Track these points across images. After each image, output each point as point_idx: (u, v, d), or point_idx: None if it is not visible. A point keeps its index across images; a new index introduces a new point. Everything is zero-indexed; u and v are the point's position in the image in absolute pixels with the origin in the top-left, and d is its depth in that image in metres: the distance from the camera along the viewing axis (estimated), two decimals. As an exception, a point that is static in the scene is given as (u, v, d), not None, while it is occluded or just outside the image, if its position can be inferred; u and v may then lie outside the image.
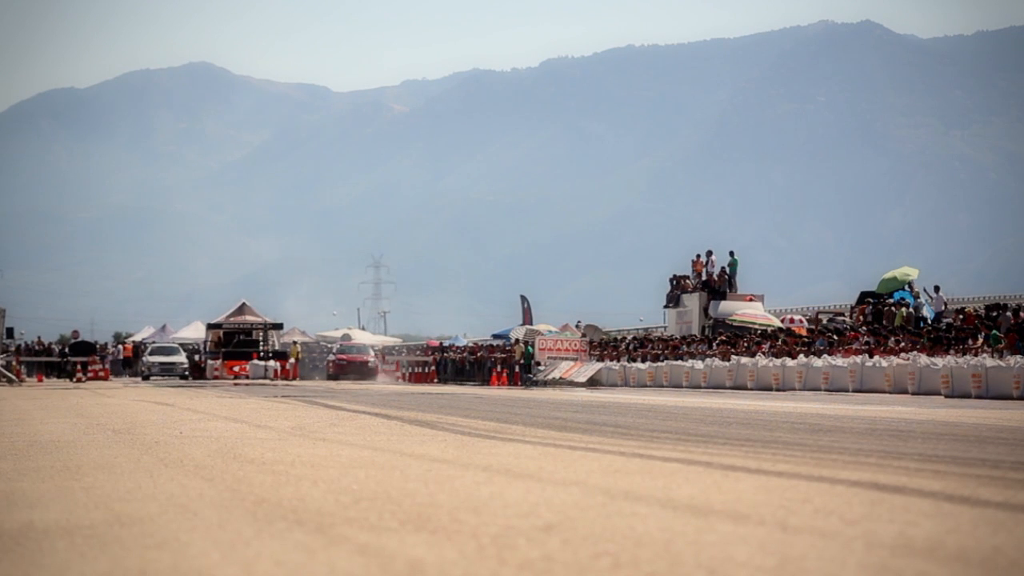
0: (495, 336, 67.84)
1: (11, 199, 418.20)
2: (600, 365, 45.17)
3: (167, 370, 51.64)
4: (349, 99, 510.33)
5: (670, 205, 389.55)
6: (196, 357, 61.17)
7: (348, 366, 53.99)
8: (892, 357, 32.41)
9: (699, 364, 39.97)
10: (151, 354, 53.82)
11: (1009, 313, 33.79)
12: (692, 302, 49.43)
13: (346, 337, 74.72)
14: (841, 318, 45.22)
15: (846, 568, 3.88)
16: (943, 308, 39.96)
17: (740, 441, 9.67)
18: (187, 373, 52.28)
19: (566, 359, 46.02)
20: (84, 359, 49.48)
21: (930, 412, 16.68)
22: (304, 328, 78.53)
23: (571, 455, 8.07)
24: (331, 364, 54.80)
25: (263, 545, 4.34)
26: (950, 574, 3.83)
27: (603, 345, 50.52)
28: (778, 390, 34.12)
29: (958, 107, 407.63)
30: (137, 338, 76.54)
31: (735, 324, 46.56)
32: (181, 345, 69.97)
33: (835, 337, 38.60)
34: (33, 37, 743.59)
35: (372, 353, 56.86)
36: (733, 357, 39.13)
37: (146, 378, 50.16)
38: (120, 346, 70.94)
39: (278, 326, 61.05)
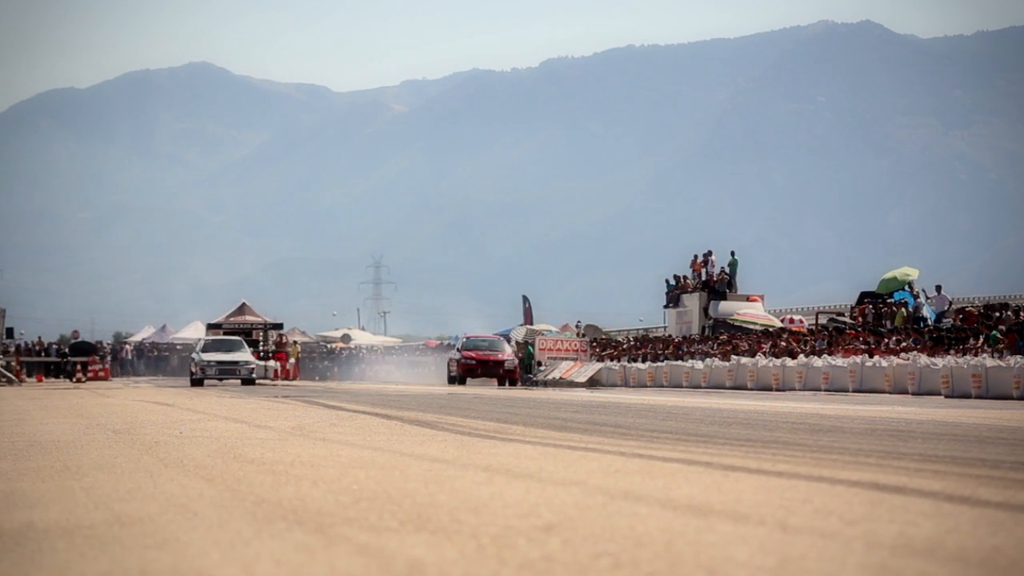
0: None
1: (11, 199, 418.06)
2: (600, 365, 45.21)
3: (228, 371, 39.53)
4: (349, 99, 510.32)
5: (670, 205, 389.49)
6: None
7: (479, 367, 41.57)
8: (892, 357, 32.43)
9: (699, 364, 40.01)
10: (205, 350, 40.69)
11: (1010, 313, 33.81)
12: (692, 302, 49.45)
13: (346, 338, 74.57)
14: (842, 318, 45.24)
15: (846, 568, 3.88)
16: (946, 308, 39.95)
17: (740, 441, 9.67)
18: (254, 375, 40.18)
19: (566, 359, 46.04)
20: (84, 359, 49.48)
21: (930, 412, 16.68)
22: (304, 328, 78.56)
23: (571, 455, 8.08)
24: (455, 363, 42.47)
25: (263, 545, 4.34)
26: (950, 574, 3.83)
27: (603, 345, 50.55)
28: (778, 390, 34.13)
29: (958, 107, 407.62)
30: (137, 338, 76.63)
31: (735, 324, 46.58)
32: (186, 343, 69.88)
33: (835, 335, 38.61)
34: (33, 37, 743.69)
35: (509, 350, 43.85)
36: (733, 357, 39.16)
37: (199, 382, 38.49)
38: (124, 346, 71.06)
39: (278, 326, 61.10)
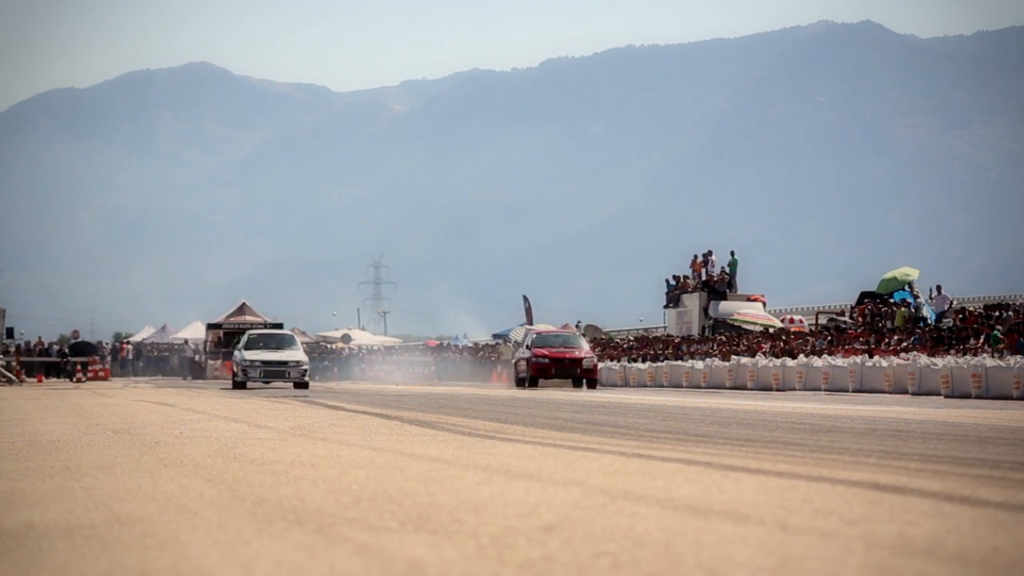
0: (495, 336, 67.96)
1: (11, 199, 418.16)
2: (600, 365, 45.23)
3: (275, 373, 33.07)
4: (349, 99, 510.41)
5: (670, 205, 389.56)
6: (196, 357, 61.26)
7: (552, 367, 35.76)
8: (892, 357, 32.45)
9: (699, 364, 40.02)
10: (248, 347, 34.28)
11: (1010, 313, 33.83)
12: (692, 302, 49.47)
13: (346, 338, 74.50)
14: (842, 318, 45.27)
15: (846, 568, 3.88)
16: (946, 308, 39.97)
17: (740, 441, 9.67)
18: (307, 378, 33.61)
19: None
20: (84, 359, 49.49)
21: (930, 412, 16.68)
22: (304, 328, 78.54)
23: (571, 455, 8.08)
24: (524, 363, 36.76)
25: (263, 545, 4.34)
26: (950, 574, 3.83)
27: (603, 345, 50.57)
28: (778, 390, 34.13)
29: (958, 107, 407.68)
30: (137, 338, 76.63)
31: (735, 324, 46.61)
32: (185, 343, 69.89)
33: (835, 335, 38.63)
34: (33, 37, 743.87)
35: (585, 346, 37.81)
36: (733, 357, 39.18)
37: (241, 385, 32.72)
38: (124, 346, 71.08)
39: (278, 326, 61.06)
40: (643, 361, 44.58)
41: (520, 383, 36.75)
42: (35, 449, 9.23)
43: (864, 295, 44.58)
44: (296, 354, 33.84)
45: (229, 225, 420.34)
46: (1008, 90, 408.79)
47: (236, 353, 34.70)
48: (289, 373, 32.88)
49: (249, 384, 32.85)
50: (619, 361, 45.94)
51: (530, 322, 58.75)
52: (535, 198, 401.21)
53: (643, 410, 16.60)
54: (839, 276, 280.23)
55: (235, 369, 33.92)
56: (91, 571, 3.98)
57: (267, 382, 33.15)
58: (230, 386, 33.71)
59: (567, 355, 35.91)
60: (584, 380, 35.67)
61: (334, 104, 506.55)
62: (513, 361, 40.05)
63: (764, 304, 49.47)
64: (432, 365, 59.09)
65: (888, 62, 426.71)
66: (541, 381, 35.69)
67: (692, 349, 44.08)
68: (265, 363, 33.05)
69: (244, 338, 35.71)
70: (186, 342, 69.04)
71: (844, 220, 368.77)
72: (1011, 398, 25.97)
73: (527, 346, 37.38)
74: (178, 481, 6.53)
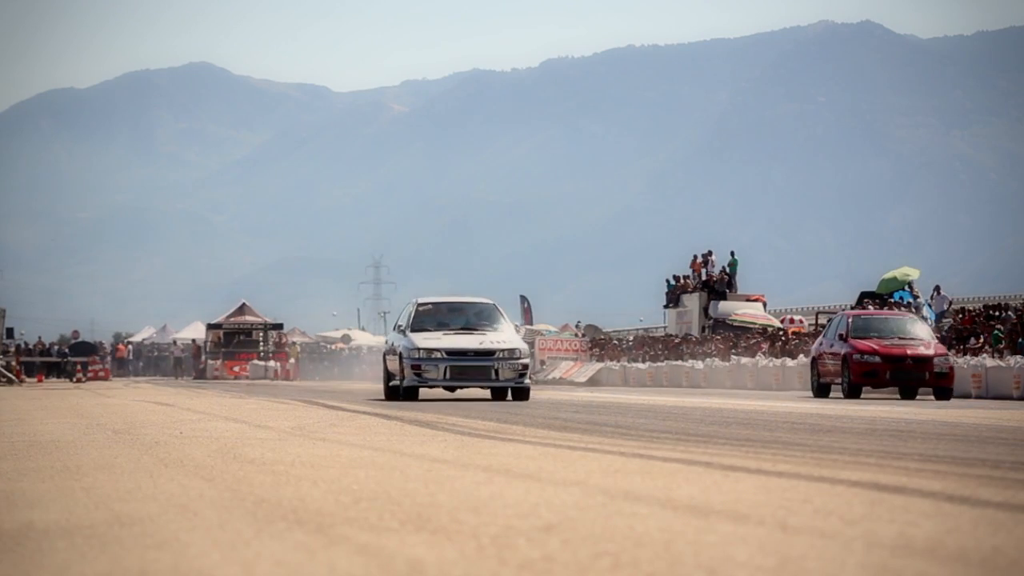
0: (495, 336, 67.88)
1: (11, 199, 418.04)
2: (600, 365, 45.25)
3: (471, 372, 19.93)
4: (349, 99, 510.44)
5: (670, 205, 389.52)
6: (184, 356, 61.38)
7: (886, 370, 23.33)
8: (892, 357, 32.39)
9: (699, 364, 40.04)
10: (417, 327, 20.43)
11: (1011, 313, 33.84)
12: (692, 302, 49.47)
13: (346, 338, 74.50)
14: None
15: (846, 568, 3.88)
16: (946, 308, 39.97)
17: (740, 441, 9.68)
18: (527, 380, 20.31)
19: (566, 359, 46.06)
20: (84, 359, 49.53)
21: (930, 412, 16.69)
22: (304, 328, 78.56)
23: (571, 455, 8.08)
24: (836, 361, 24.05)
25: (263, 545, 4.34)
26: (950, 574, 3.83)
27: (603, 345, 50.59)
28: (778, 390, 34.12)
29: (958, 107, 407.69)
30: (137, 338, 76.69)
31: (735, 324, 46.61)
32: (174, 343, 69.75)
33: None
34: (33, 37, 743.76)
35: (930, 336, 25.06)
36: (733, 357, 39.19)
37: (409, 393, 19.66)
38: (120, 345, 71.11)
39: (278, 326, 61.08)
40: (643, 361, 44.61)
41: (821, 391, 24.58)
42: (35, 449, 9.23)
43: (864, 295, 44.55)
44: (504, 335, 20.46)
45: (229, 225, 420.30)
46: (1008, 90, 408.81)
47: (395, 338, 21.10)
48: (497, 371, 19.73)
49: (424, 391, 20.25)
50: (619, 361, 45.98)
51: (529, 322, 58.68)
52: (535, 198, 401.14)
53: (643, 410, 16.60)
54: (839, 276, 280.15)
55: (391, 364, 20.92)
56: (91, 571, 3.98)
57: (453, 388, 20.77)
58: (375, 396, 22.33)
59: (908, 352, 23.55)
60: (935, 388, 23.74)
61: (334, 104, 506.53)
62: (812, 355, 26.35)
63: (764, 304, 49.45)
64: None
65: (888, 62, 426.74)
66: (864, 390, 23.99)
67: (692, 349, 44.09)
68: (452, 354, 19.79)
69: (406, 313, 21.28)
70: (174, 343, 69.14)
71: (844, 220, 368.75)
72: (1011, 398, 25.97)
73: (839, 335, 24.24)
74: (178, 481, 6.53)
